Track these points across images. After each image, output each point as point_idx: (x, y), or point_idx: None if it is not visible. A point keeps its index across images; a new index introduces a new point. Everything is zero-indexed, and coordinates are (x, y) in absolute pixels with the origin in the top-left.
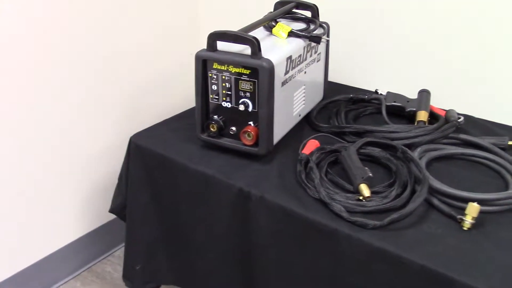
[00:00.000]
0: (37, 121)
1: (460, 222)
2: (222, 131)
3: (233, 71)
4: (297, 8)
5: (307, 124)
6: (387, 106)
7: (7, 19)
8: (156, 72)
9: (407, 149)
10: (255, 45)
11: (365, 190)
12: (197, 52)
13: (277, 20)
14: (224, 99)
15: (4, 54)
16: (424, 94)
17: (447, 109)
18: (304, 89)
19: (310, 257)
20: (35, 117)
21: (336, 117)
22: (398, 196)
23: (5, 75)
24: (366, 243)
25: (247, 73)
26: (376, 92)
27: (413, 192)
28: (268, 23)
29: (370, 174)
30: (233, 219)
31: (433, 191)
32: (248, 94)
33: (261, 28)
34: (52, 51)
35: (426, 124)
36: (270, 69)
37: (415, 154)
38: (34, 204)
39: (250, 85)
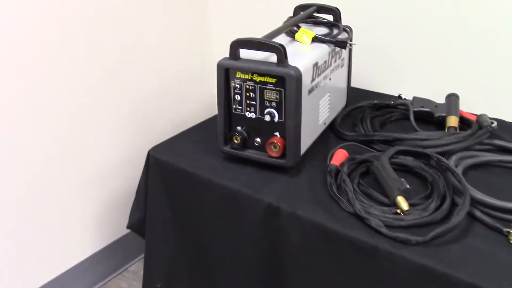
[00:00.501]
0: (45, 134)
1: (507, 235)
2: (245, 143)
3: (258, 80)
4: (318, 12)
5: (331, 133)
6: (414, 112)
7: (11, 23)
8: (167, 79)
9: (442, 157)
10: (281, 52)
11: (403, 203)
12: (219, 61)
13: (299, 25)
14: (248, 109)
15: (8, 64)
16: (453, 99)
17: (477, 113)
18: (329, 96)
19: (347, 276)
20: (42, 129)
21: (362, 124)
22: (437, 208)
23: (11, 86)
24: (410, 261)
25: (273, 82)
26: (399, 97)
27: (452, 203)
28: (291, 28)
29: (407, 186)
30: (261, 236)
31: (474, 202)
32: (274, 104)
33: (283, 34)
34: (59, 60)
35: (458, 130)
36: (298, 77)
37: (451, 162)
38: (47, 221)
39: (276, 94)
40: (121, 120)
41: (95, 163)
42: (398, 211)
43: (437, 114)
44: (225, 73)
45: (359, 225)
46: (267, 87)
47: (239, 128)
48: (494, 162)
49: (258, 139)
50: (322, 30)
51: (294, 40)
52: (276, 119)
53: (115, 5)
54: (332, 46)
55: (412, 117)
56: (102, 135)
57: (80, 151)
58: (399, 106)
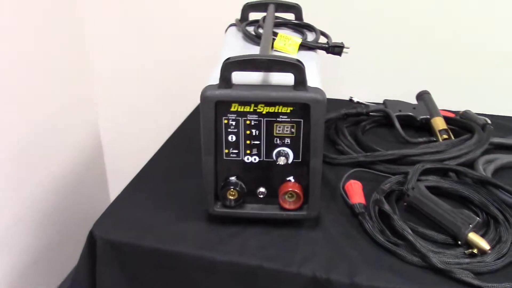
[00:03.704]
0: None
1: None
2: (243, 197)
3: (264, 112)
4: (276, 11)
5: None
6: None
7: None
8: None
9: (476, 172)
10: (302, 71)
11: (481, 241)
12: (206, 92)
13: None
14: (248, 152)
15: None
16: (427, 97)
17: (454, 110)
18: None
19: None
20: None
21: (342, 141)
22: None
23: None
24: None
25: (287, 111)
26: (351, 100)
27: None
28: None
29: (478, 218)
30: None
31: None
32: (287, 141)
33: (248, 42)
34: None
35: (450, 133)
36: (324, 102)
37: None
38: None
39: (292, 128)
40: None
41: None
42: (475, 251)
43: (419, 117)
44: (214, 107)
45: (438, 279)
46: (278, 119)
47: (232, 179)
48: (510, 164)
49: (263, 189)
50: (290, 34)
51: (272, 50)
52: (290, 160)
53: None
54: (317, 53)
55: (398, 125)
56: None
57: None
58: (372, 113)
